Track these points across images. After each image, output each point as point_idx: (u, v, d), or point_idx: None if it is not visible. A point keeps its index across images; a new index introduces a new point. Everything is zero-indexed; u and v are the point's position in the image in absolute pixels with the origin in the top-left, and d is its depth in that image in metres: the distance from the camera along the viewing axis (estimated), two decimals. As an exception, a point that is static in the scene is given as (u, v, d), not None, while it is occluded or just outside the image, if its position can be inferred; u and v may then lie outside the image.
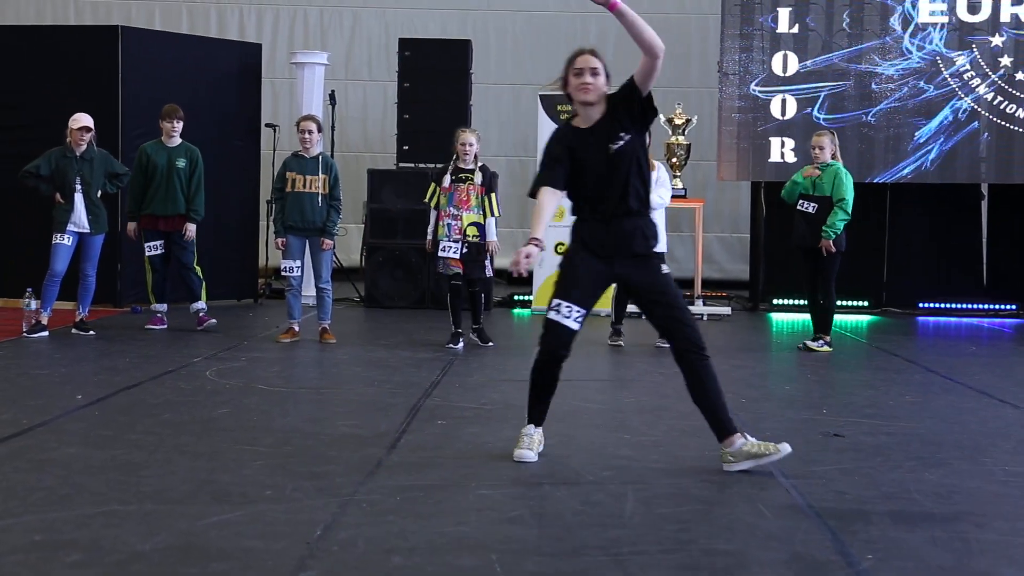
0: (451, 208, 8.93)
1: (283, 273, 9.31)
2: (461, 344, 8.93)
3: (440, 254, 8.93)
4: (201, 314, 9.70)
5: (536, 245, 4.91)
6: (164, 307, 9.79)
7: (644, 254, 5.02)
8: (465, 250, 8.91)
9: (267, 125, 13.02)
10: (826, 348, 9.10)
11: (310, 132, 9.21)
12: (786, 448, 4.90)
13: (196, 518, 4.01)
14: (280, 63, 15.35)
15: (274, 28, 16.28)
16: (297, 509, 4.17)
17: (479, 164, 9.10)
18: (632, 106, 5.05)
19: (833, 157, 9.13)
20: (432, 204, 9.10)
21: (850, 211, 9.05)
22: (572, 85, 5.07)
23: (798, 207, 9.19)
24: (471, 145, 9.01)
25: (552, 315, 4.96)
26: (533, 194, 5.18)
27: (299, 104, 12.53)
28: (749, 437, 4.96)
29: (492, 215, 9.05)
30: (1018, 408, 6.75)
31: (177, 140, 9.76)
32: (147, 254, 9.77)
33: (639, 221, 5.03)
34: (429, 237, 9.18)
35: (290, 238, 9.13)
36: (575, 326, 4.94)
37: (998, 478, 4.92)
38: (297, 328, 9.24)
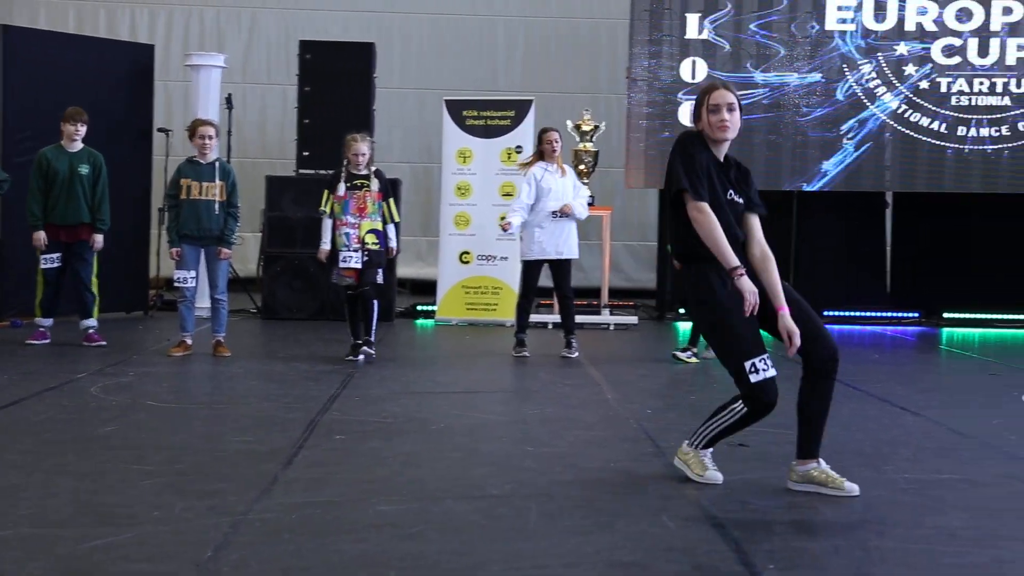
0: (348, 216, 8.86)
1: (176, 284, 9.14)
2: (361, 357, 8.89)
3: (341, 264, 8.87)
4: (91, 331, 9.47)
5: (743, 274, 4.83)
6: (49, 322, 9.50)
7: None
8: (366, 258, 8.86)
9: (160, 130, 12.83)
10: (694, 360, 9.15)
11: (209, 137, 9.07)
12: (854, 488, 4.83)
13: (78, 541, 3.92)
14: (174, 65, 15.13)
15: (167, 29, 16.06)
16: (187, 530, 4.11)
17: (373, 169, 9.05)
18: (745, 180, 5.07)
19: None
20: (327, 212, 9.00)
21: None
22: (711, 123, 4.93)
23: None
24: (363, 155, 8.94)
25: (754, 377, 4.79)
26: (680, 197, 4.93)
27: (194, 108, 12.37)
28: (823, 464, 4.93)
29: (392, 221, 9.05)
30: (918, 415, 6.91)
31: (79, 145, 9.48)
32: (42, 266, 9.41)
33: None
34: (325, 247, 9.03)
35: (185, 247, 8.99)
36: (774, 372, 4.84)
37: (898, 486, 5.02)
38: (190, 341, 9.10)
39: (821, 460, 4.91)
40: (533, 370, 8.72)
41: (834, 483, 4.82)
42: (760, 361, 4.76)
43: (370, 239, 8.87)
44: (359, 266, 8.85)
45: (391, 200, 9.07)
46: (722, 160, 5.01)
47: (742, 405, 4.84)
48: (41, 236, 9.32)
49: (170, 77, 15.08)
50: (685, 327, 10.54)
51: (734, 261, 4.80)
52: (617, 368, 8.94)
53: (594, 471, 5.20)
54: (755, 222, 5.07)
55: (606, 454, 5.61)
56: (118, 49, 12.99)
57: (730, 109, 4.92)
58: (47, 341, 9.42)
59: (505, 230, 9.52)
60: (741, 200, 5.01)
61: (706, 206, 4.83)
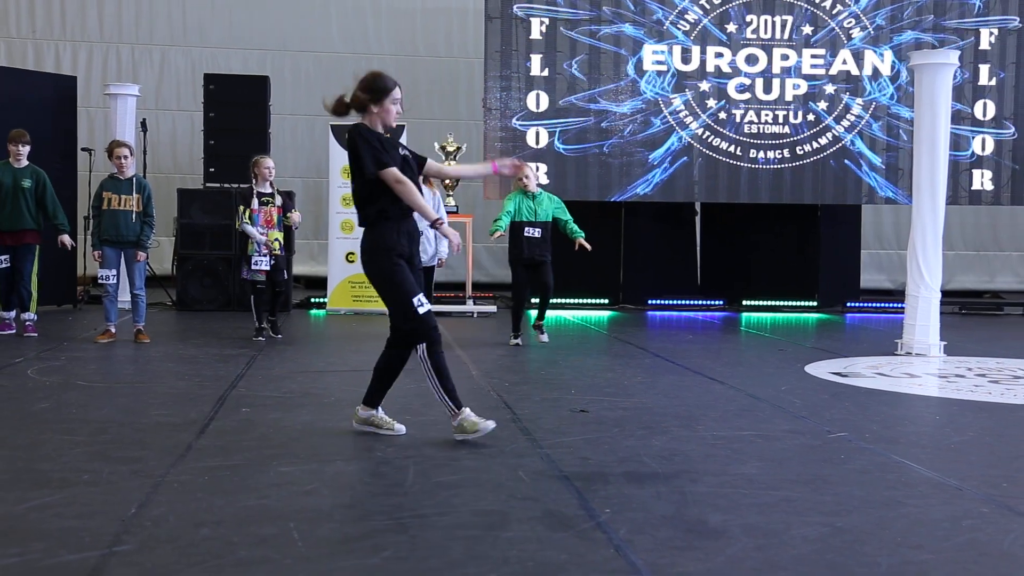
0: (258, 227, 9.03)
1: (100, 281, 8.92)
2: (263, 338, 9.00)
3: (253, 267, 9.01)
4: (28, 323, 9.18)
5: (444, 222, 5.04)
6: (12, 314, 9.21)
7: None
8: (273, 261, 9.09)
9: (83, 149, 12.42)
10: (517, 343, 9.16)
11: (125, 157, 8.86)
12: (402, 429, 5.10)
13: (16, 503, 3.77)
14: (95, 94, 14.64)
15: (88, 63, 15.53)
16: (113, 491, 3.99)
17: (275, 188, 9.27)
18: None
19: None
20: (247, 222, 9.04)
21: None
22: (390, 112, 5.01)
23: (525, 233, 9.17)
24: (272, 168, 9.21)
25: (421, 310, 4.91)
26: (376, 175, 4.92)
27: (113, 131, 12.01)
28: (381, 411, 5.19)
29: (294, 228, 9.52)
30: (724, 384, 7.06)
31: (24, 162, 9.19)
32: None
33: None
34: (262, 238, 9.07)
35: (106, 250, 8.76)
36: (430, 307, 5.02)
37: (708, 442, 5.13)
38: (114, 330, 8.86)
39: (380, 409, 5.16)
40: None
41: (388, 426, 5.10)
42: (422, 297, 4.93)
43: (275, 245, 9.13)
44: (268, 268, 9.09)
45: (291, 212, 9.30)
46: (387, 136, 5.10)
47: (420, 349, 4.92)
48: None
49: (91, 104, 14.61)
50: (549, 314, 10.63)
51: (434, 214, 4.99)
52: (479, 349, 8.96)
53: (461, 434, 5.21)
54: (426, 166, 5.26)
55: (470, 420, 5.61)
56: (45, 80, 12.51)
57: (400, 105, 5.07)
58: (12, 331, 9.12)
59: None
60: (411, 156, 5.10)
61: (400, 174, 4.85)
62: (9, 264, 9.16)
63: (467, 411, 5.04)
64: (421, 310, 4.91)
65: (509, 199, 9.33)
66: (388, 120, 5.03)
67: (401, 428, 5.14)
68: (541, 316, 9.34)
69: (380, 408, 5.21)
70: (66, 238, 9.28)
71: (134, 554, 3.25)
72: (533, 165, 12.95)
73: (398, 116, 5.09)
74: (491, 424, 5.00)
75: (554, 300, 10.01)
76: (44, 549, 3.26)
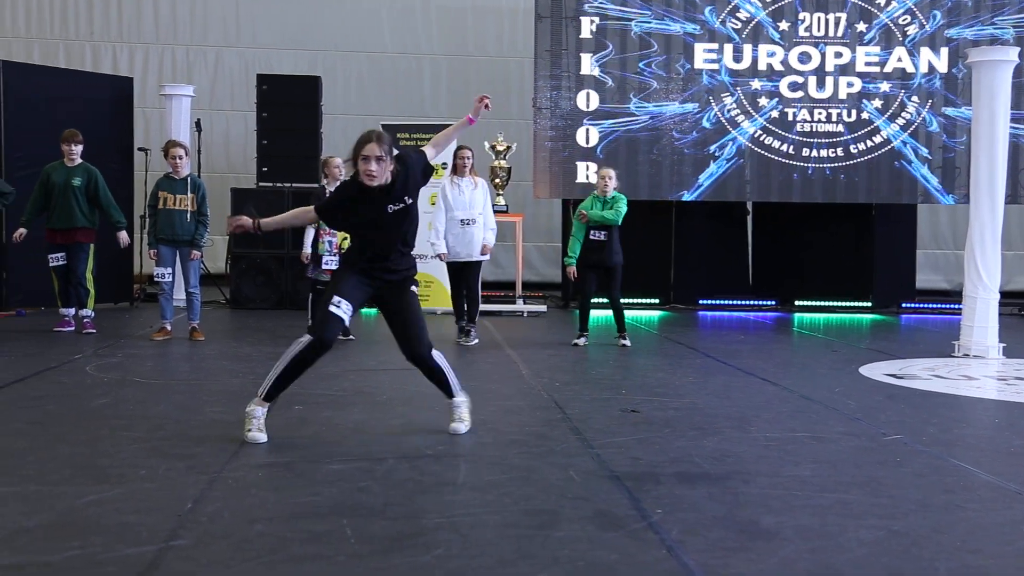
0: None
1: (156, 279, 9.05)
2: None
3: (324, 267, 8.83)
4: (85, 320, 9.30)
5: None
6: (71, 311, 9.34)
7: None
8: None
9: (139, 149, 12.61)
10: (582, 342, 9.12)
11: (180, 157, 8.96)
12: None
13: (76, 497, 3.84)
14: (151, 95, 14.86)
15: (144, 64, 15.76)
16: (169, 486, 4.04)
17: None
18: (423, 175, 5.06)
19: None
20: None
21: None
22: (360, 169, 4.82)
23: (591, 236, 9.11)
24: (341, 168, 9.08)
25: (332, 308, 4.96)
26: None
27: (168, 131, 12.17)
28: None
29: None
30: (776, 385, 7.00)
31: (77, 161, 9.31)
32: (50, 265, 9.31)
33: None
34: (307, 251, 9.00)
35: (162, 248, 8.88)
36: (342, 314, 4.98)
37: (761, 443, 5.09)
38: (169, 327, 8.98)
39: (456, 398, 5.25)
40: (460, 351, 8.70)
41: (451, 420, 5.20)
42: (343, 301, 4.93)
43: (345, 245, 9.03)
44: (336, 268, 8.99)
45: None
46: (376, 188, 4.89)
47: (304, 337, 4.96)
48: (20, 232, 9.23)
49: (147, 105, 14.83)
50: (600, 314, 10.58)
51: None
52: (529, 349, 8.96)
53: (511, 434, 5.21)
54: None
55: (521, 420, 5.62)
56: (102, 81, 12.72)
57: (378, 160, 4.78)
58: (71, 327, 9.28)
59: (442, 259, 9.38)
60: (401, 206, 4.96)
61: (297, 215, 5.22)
62: (64, 262, 9.29)
63: (260, 411, 4.94)
64: (331, 308, 4.93)
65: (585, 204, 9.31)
66: (360, 178, 4.85)
67: (460, 428, 5.19)
68: (619, 327, 9.28)
69: (457, 398, 5.28)
70: (123, 235, 9.44)
71: (190, 549, 3.29)
72: (583, 164, 12.94)
73: (370, 176, 4.79)
74: (261, 438, 4.85)
75: (604, 300, 9.95)
76: (103, 543, 3.32)
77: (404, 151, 5.05)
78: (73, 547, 3.27)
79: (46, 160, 9.52)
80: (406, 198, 4.96)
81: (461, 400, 5.28)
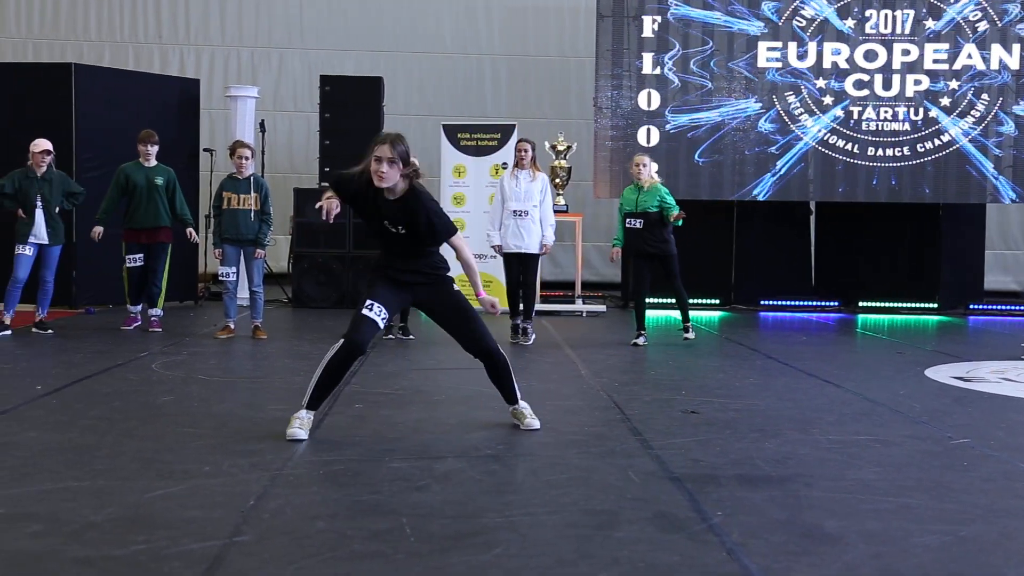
0: None
1: (220, 278, 9.18)
2: (392, 337, 9.19)
3: None
4: (153, 319, 9.46)
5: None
6: (138, 308, 9.51)
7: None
8: None
9: (205, 150, 12.79)
10: (643, 341, 9.10)
11: (246, 158, 9.07)
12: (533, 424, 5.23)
13: (143, 492, 3.92)
14: (216, 96, 15.08)
15: (210, 66, 16.00)
16: (233, 483, 4.11)
17: None
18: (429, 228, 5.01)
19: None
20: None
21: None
22: (372, 168, 4.87)
23: (627, 225, 9.15)
24: None
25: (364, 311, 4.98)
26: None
27: (233, 132, 12.34)
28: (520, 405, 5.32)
29: None
30: (839, 387, 6.91)
31: (153, 161, 9.48)
32: (127, 265, 9.44)
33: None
34: None
35: (226, 248, 9.00)
36: (377, 319, 5.00)
37: (823, 446, 5.03)
38: (233, 326, 9.11)
39: (520, 403, 5.33)
40: (519, 350, 8.72)
41: (522, 419, 5.24)
42: (376, 304, 4.95)
43: None
44: None
45: None
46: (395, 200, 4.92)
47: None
48: (98, 231, 9.32)
49: (213, 106, 15.03)
50: (661, 314, 10.54)
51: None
52: (589, 349, 8.94)
53: (570, 434, 5.20)
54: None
55: (580, 420, 5.61)
56: (170, 82, 12.94)
57: (389, 163, 4.80)
58: (138, 324, 9.46)
59: (497, 252, 9.40)
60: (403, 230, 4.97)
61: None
62: (142, 263, 9.43)
63: (303, 412, 5.00)
64: (364, 311, 4.95)
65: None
66: (371, 177, 4.89)
67: (535, 423, 5.23)
68: (684, 318, 9.35)
69: (520, 402, 5.32)
70: (193, 231, 9.59)
71: (253, 544, 3.34)
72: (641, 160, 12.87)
73: (381, 177, 4.82)
74: (300, 435, 4.88)
75: (661, 300, 9.93)
76: (168, 537, 3.38)
77: (425, 192, 4.99)
78: (139, 541, 3.33)
79: (116, 161, 9.71)
80: (400, 228, 4.95)
81: (524, 404, 5.30)
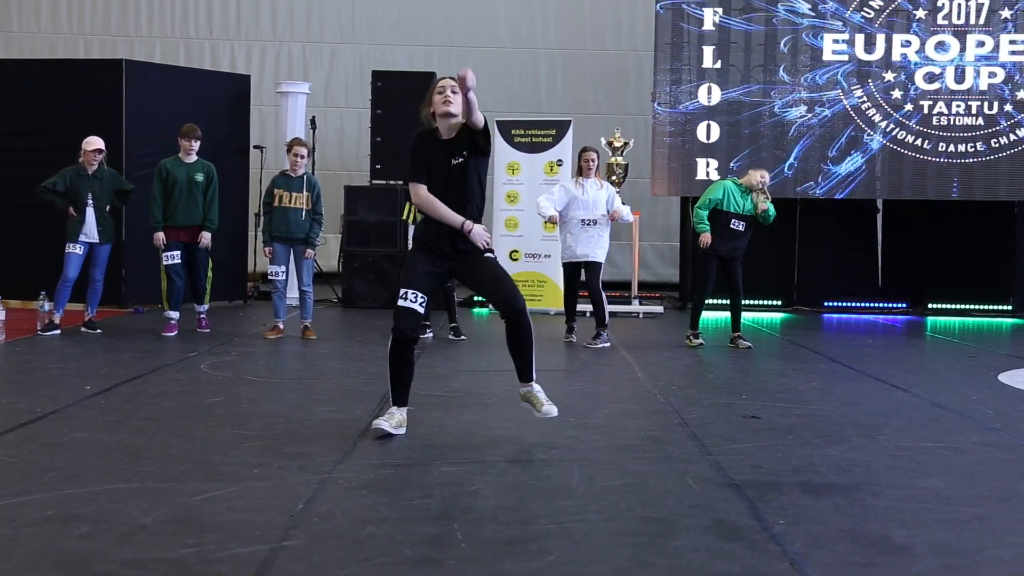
0: None
1: (270, 277, 9.24)
2: (430, 334, 9.26)
3: None
4: (201, 317, 9.50)
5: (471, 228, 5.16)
6: (177, 315, 9.22)
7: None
8: None
9: (255, 147, 12.94)
10: (699, 342, 9.10)
11: (301, 156, 9.11)
12: (551, 411, 5.14)
13: (192, 494, 3.97)
14: (267, 92, 15.25)
15: (261, 61, 16.19)
16: (282, 485, 4.14)
17: None
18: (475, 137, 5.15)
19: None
20: (409, 220, 9.19)
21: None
22: (435, 102, 5.16)
23: (731, 226, 9.03)
24: None
25: (400, 302, 5.07)
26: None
27: (284, 128, 12.46)
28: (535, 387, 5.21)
29: None
30: (907, 392, 6.82)
31: (194, 157, 9.38)
32: (165, 263, 9.25)
33: None
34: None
35: (276, 246, 9.06)
36: (415, 307, 5.07)
37: (890, 452, 4.96)
38: (282, 326, 9.19)
39: (534, 384, 5.17)
40: (574, 352, 8.71)
41: (539, 405, 5.14)
42: (411, 292, 5.03)
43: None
44: None
45: None
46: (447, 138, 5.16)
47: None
48: (160, 236, 9.21)
49: (263, 102, 15.20)
50: (719, 315, 10.47)
51: (459, 221, 5.10)
52: (646, 351, 8.90)
53: (627, 439, 5.18)
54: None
55: (637, 424, 5.59)
56: (220, 78, 13.10)
57: (453, 91, 5.09)
58: (176, 333, 9.16)
59: (552, 222, 9.36)
60: (460, 159, 5.13)
61: (420, 191, 5.16)
62: (179, 260, 9.26)
63: (394, 408, 5.13)
64: (400, 303, 5.06)
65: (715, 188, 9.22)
66: (437, 111, 5.17)
67: (553, 410, 5.16)
68: (736, 325, 9.23)
69: (535, 384, 5.22)
70: (207, 237, 9.33)
71: (302, 549, 3.36)
72: (703, 160, 12.79)
73: (447, 102, 5.11)
74: (384, 426, 5.04)
75: (721, 300, 9.84)
76: (217, 540, 3.41)
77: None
78: (188, 544, 3.37)
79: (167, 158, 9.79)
80: (460, 157, 5.15)
81: (539, 388, 5.23)
